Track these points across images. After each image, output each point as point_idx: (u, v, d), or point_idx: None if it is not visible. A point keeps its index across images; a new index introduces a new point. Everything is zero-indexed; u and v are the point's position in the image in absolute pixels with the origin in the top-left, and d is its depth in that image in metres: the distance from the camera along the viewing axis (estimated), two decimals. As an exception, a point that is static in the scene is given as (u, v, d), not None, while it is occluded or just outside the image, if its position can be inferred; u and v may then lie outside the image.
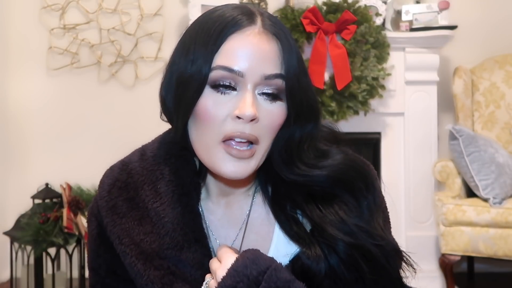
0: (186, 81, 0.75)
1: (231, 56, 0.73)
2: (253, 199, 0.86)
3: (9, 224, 2.47)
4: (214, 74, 0.74)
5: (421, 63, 2.80)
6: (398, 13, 2.86)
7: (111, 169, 0.88)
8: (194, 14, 2.73)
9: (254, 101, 0.74)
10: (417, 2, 2.90)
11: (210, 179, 0.85)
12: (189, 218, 0.81)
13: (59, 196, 2.41)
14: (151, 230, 0.81)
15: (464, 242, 2.47)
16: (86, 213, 2.44)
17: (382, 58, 2.63)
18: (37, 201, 2.39)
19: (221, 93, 0.74)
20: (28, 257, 2.29)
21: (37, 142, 2.97)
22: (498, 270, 3.01)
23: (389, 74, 2.66)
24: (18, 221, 2.36)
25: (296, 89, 0.77)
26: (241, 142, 0.75)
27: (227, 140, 0.74)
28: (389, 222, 0.89)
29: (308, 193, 0.81)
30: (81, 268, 2.46)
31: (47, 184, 2.45)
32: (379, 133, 2.85)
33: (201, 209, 0.86)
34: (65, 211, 2.28)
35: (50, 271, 2.38)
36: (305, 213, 0.81)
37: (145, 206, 0.82)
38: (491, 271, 3.02)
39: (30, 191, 2.47)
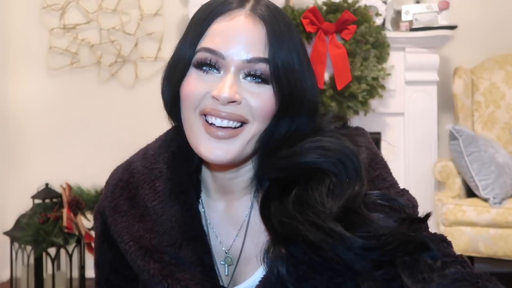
0: (175, 64, 0.77)
1: (214, 38, 0.73)
2: (254, 196, 0.85)
3: (9, 224, 2.47)
4: (198, 56, 0.74)
5: (421, 63, 2.80)
6: (398, 13, 2.86)
7: (116, 169, 0.90)
8: (194, 14, 2.73)
9: (235, 84, 0.73)
10: (417, 2, 2.90)
11: (206, 174, 0.85)
12: (187, 216, 0.81)
13: (59, 196, 2.41)
14: (151, 227, 0.81)
15: (464, 242, 2.46)
16: (86, 213, 2.44)
17: (382, 58, 2.62)
18: (37, 201, 2.39)
19: (204, 71, 0.74)
20: (28, 257, 2.29)
21: (37, 142, 2.97)
22: (498, 270, 3.01)
23: (389, 74, 2.66)
24: (18, 221, 2.36)
25: (282, 76, 0.74)
26: (221, 127, 0.73)
27: (205, 114, 0.73)
28: (391, 175, 0.82)
29: (283, 187, 0.77)
30: (81, 268, 2.46)
31: (47, 184, 2.44)
32: (379, 133, 2.85)
33: (203, 206, 0.86)
34: (65, 211, 2.28)
35: (50, 271, 2.38)
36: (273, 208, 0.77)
37: (144, 204, 0.83)
38: (491, 271, 3.01)
39: (30, 191, 2.47)
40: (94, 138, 2.98)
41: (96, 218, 0.89)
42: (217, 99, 0.72)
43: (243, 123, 0.74)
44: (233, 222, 0.85)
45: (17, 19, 2.96)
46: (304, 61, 0.77)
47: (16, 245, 2.36)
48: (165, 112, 0.83)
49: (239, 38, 0.73)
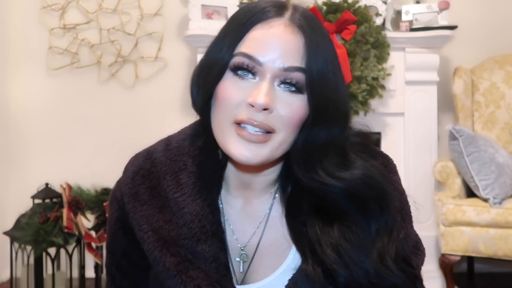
0: (211, 65, 0.78)
1: (253, 45, 0.75)
2: (274, 197, 0.86)
3: (9, 224, 2.47)
4: (235, 60, 0.76)
5: (421, 63, 2.80)
6: (398, 13, 2.86)
7: (136, 157, 0.90)
8: (194, 14, 2.73)
9: (270, 91, 0.74)
10: (417, 2, 2.90)
11: (230, 171, 0.86)
12: (208, 211, 0.82)
13: (59, 196, 2.40)
14: (170, 219, 0.82)
15: (464, 242, 2.47)
16: (86, 213, 2.44)
17: (382, 58, 2.62)
18: (37, 201, 2.39)
19: (240, 77, 0.76)
20: (28, 257, 2.29)
21: (37, 142, 2.97)
22: (498, 270, 3.01)
23: (389, 74, 2.66)
24: (18, 221, 2.36)
25: (318, 86, 0.76)
26: (253, 131, 0.75)
27: (239, 123, 0.75)
28: (408, 235, 0.86)
29: (316, 205, 0.80)
30: (81, 268, 2.45)
31: (47, 184, 2.44)
32: (379, 133, 2.85)
33: (221, 202, 0.87)
34: (65, 211, 2.27)
35: (50, 271, 2.38)
36: (306, 226, 0.80)
37: (166, 195, 0.83)
38: (491, 271, 3.02)
39: (30, 191, 2.47)
40: (94, 138, 2.98)
41: (112, 204, 0.89)
42: (252, 105, 0.74)
43: (270, 132, 0.76)
44: (251, 220, 0.86)
45: (17, 19, 2.96)
46: (338, 71, 0.79)
47: (16, 245, 2.36)
48: (192, 107, 0.85)
49: (277, 46, 0.75)
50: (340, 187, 0.77)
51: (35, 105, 2.97)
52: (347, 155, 0.81)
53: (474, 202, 2.50)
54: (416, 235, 0.88)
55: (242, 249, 0.85)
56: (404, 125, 2.83)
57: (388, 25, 2.84)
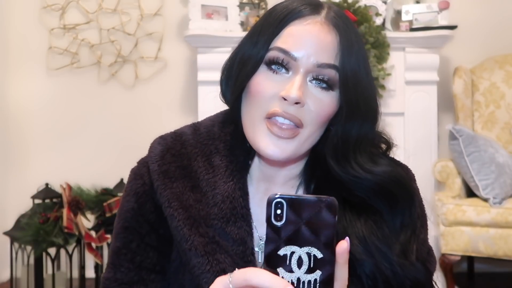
0: (246, 59, 0.81)
1: (289, 40, 0.78)
2: (297, 192, 0.88)
3: (9, 224, 2.47)
4: (270, 54, 0.78)
5: (421, 63, 2.80)
6: (398, 13, 2.86)
7: (162, 138, 0.89)
8: (194, 14, 2.73)
9: (302, 86, 0.76)
10: (417, 2, 2.90)
11: (254, 163, 0.88)
12: (239, 195, 0.83)
13: (59, 196, 2.40)
14: (200, 199, 0.83)
15: (464, 242, 2.47)
16: (86, 213, 2.44)
17: (382, 58, 2.62)
18: (37, 201, 2.39)
19: (274, 71, 0.78)
20: (28, 257, 2.29)
21: (37, 142, 2.97)
22: (498, 270, 3.01)
23: (389, 74, 2.66)
24: (18, 221, 2.36)
25: (350, 84, 0.78)
26: (283, 123, 0.77)
27: (270, 117, 0.77)
28: (425, 240, 0.89)
29: (343, 199, 0.81)
30: (81, 268, 2.46)
31: (47, 184, 2.44)
32: (379, 133, 2.85)
33: None
34: (65, 211, 2.27)
35: (50, 271, 2.38)
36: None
37: (197, 176, 0.84)
38: (491, 271, 3.02)
39: (30, 191, 2.47)
40: (94, 138, 2.98)
41: (135, 180, 0.87)
42: (285, 99, 0.76)
43: (298, 126, 0.78)
44: None
45: (17, 19, 2.96)
46: (369, 71, 0.82)
47: (16, 245, 2.36)
48: (221, 99, 0.88)
49: (312, 42, 0.77)
50: (371, 181, 0.80)
51: (35, 105, 2.97)
52: (375, 153, 0.85)
53: (474, 202, 2.50)
54: (429, 243, 0.91)
55: (261, 239, 0.85)
56: (404, 125, 2.83)
57: (388, 25, 2.84)
